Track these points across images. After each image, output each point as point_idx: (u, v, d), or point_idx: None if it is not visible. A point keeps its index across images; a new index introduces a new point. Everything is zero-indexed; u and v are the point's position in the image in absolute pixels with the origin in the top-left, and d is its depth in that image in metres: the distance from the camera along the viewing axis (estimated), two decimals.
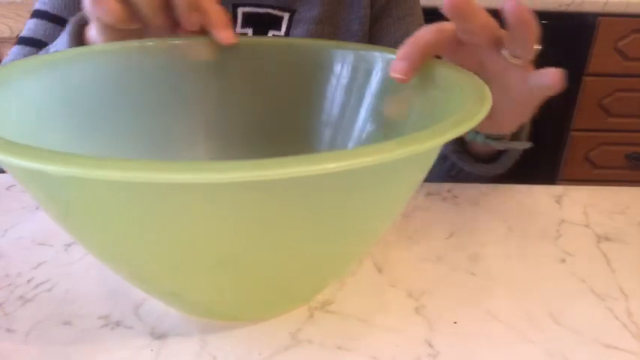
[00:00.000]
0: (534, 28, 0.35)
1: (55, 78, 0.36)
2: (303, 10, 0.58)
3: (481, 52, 0.38)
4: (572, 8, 1.35)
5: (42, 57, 0.36)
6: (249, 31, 0.58)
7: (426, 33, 0.36)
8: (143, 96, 0.41)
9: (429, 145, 0.23)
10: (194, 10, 0.38)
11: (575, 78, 1.44)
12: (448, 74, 0.35)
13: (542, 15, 1.39)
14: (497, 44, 0.37)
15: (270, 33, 0.58)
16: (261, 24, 0.57)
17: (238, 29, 0.57)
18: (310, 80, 0.44)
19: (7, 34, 1.32)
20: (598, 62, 1.43)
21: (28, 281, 0.36)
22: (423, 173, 0.29)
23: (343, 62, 0.42)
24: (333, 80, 0.43)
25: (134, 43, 0.40)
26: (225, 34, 0.40)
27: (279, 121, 0.44)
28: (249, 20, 0.57)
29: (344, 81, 0.43)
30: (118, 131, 0.40)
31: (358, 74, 0.42)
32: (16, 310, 0.33)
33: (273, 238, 0.25)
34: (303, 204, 0.24)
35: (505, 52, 0.37)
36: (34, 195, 0.25)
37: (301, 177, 0.20)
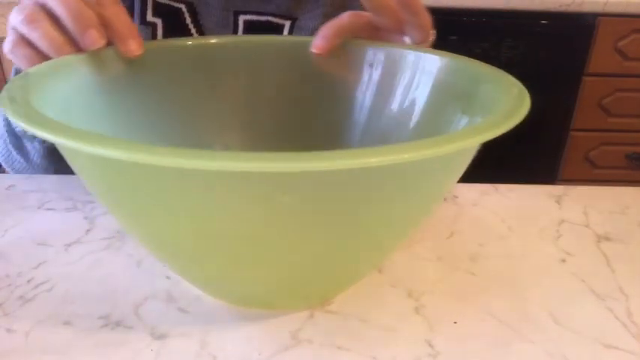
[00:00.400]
0: (423, 14, 0.40)
1: (109, 72, 0.38)
2: (304, 18, 0.58)
3: (391, 36, 0.42)
4: (572, 8, 1.35)
5: (94, 52, 0.38)
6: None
7: (344, 17, 0.42)
8: (179, 92, 0.43)
9: (469, 143, 0.22)
10: (90, 29, 0.36)
11: (575, 78, 1.44)
12: (483, 74, 0.36)
13: (542, 15, 1.40)
14: (402, 29, 0.41)
15: None
16: (263, 32, 0.57)
17: (239, 34, 0.57)
18: (339, 79, 0.44)
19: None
20: (598, 62, 1.43)
21: (28, 281, 0.36)
22: (456, 174, 0.29)
23: (374, 60, 0.43)
24: (364, 78, 0.44)
25: (174, 42, 0.43)
26: (130, 46, 0.38)
27: (308, 119, 0.45)
28: (250, 28, 0.57)
29: (374, 79, 0.43)
30: (155, 123, 0.42)
31: (388, 72, 0.42)
32: (16, 310, 0.33)
33: (302, 230, 0.26)
34: (336, 198, 0.25)
35: (406, 37, 0.41)
36: (85, 175, 0.28)
37: (337, 170, 0.21)
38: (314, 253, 0.28)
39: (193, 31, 0.56)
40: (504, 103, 0.29)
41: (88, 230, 0.42)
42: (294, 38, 0.47)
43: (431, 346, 0.31)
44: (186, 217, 0.26)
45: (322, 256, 0.29)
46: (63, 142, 0.22)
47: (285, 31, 0.58)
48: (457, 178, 0.30)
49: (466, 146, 0.22)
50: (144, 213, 0.28)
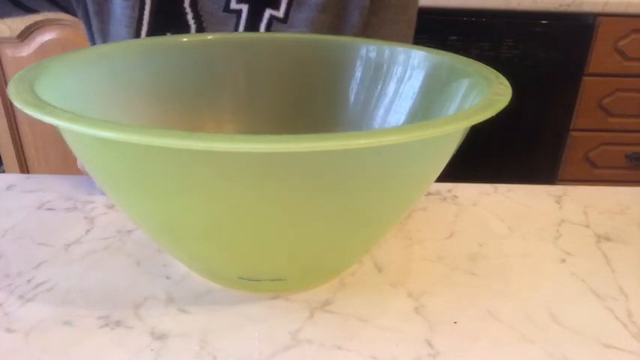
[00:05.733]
0: None
1: (109, 67, 0.39)
2: None
3: None
4: (572, 8, 1.35)
5: (103, 47, 0.40)
6: (245, 7, 0.55)
7: None
8: (179, 86, 0.44)
9: (450, 129, 0.24)
10: None
11: (575, 78, 1.44)
12: (468, 68, 0.37)
13: (542, 15, 1.40)
14: None
15: (267, 12, 0.55)
16: (258, 1, 0.55)
17: (233, 5, 0.55)
18: (334, 75, 0.45)
19: (7, 34, 1.32)
20: (598, 62, 1.42)
21: (28, 281, 0.36)
22: (444, 157, 0.31)
23: (366, 58, 0.44)
24: (357, 74, 0.45)
25: (171, 39, 0.45)
26: None
27: (302, 113, 0.46)
28: None
29: (367, 76, 0.44)
30: (157, 113, 0.43)
31: (380, 69, 0.43)
32: (16, 310, 0.33)
33: (301, 210, 0.28)
34: (331, 178, 0.26)
35: None
36: (91, 161, 0.28)
37: (329, 151, 0.23)
38: (310, 229, 0.30)
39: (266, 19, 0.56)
40: (488, 93, 0.30)
41: (88, 230, 0.42)
42: (289, 35, 0.48)
43: (431, 346, 0.31)
44: (192, 196, 0.27)
45: (319, 231, 0.30)
46: (67, 126, 0.23)
47: (284, 2, 0.54)
48: (443, 165, 0.31)
49: (449, 131, 0.24)
50: (146, 194, 0.29)
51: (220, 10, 0.55)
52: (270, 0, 0.55)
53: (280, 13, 0.56)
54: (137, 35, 0.53)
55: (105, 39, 0.54)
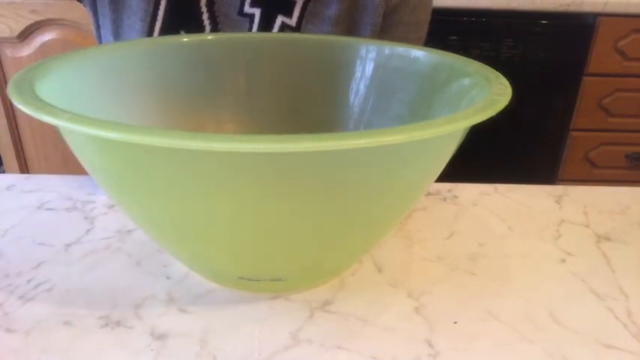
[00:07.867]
0: None
1: (109, 67, 0.40)
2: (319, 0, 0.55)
3: None
4: (572, 8, 1.35)
5: (104, 47, 0.40)
6: (257, 12, 0.55)
7: None
8: (180, 86, 0.44)
9: (450, 129, 0.24)
10: None
11: (575, 78, 1.44)
12: (468, 68, 0.37)
13: (542, 15, 1.40)
14: None
15: (279, 19, 0.56)
16: (271, 5, 0.55)
17: (247, 9, 0.55)
18: (334, 75, 0.45)
19: (7, 34, 1.32)
20: (598, 62, 1.42)
21: (28, 281, 0.36)
22: (444, 157, 0.31)
23: (366, 58, 0.44)
24: (357, 75, 0.45)
25: (171, 39, 0.45)
26: None
27: (302, 112, 0.46)
28: None
29: (366, 76, 0.44)
30: (158, 113, 0.43)
31: (380, 69, 0.43)
32: (16, 310, 0.33)
33: (300, 209, 0.28)
34: (331, 178, 0.26)
35: None
36: (91, 160, 0.28)
37: (329, 151, 0.23)
38: (309, 228, 0.30)
39: (278, 22, 0.56)
40: (488, 93, 0.30)
41: (88, 230, 0.42)
42: (289, 35, 0.48)
43: (431, 346, 0.31)
44: (192, 196, 0.27)
45: (319, 231, 0.30)
46: (66, 126, 0.23)
47: (297, 10, 0.53)
48: (443, 165, 0.31)
49: (449, 131, 0.24)
50: (146, 194, 0.29)
51: (235, 13, 0.55)
52: (283, 7, 0.55)
53: (292, 22, 0.56)
54: (151, 29, 0.53)
55: (117, 28, 0.54)
